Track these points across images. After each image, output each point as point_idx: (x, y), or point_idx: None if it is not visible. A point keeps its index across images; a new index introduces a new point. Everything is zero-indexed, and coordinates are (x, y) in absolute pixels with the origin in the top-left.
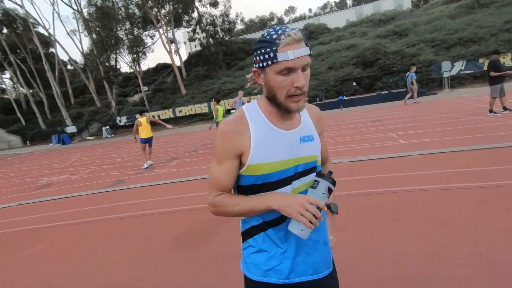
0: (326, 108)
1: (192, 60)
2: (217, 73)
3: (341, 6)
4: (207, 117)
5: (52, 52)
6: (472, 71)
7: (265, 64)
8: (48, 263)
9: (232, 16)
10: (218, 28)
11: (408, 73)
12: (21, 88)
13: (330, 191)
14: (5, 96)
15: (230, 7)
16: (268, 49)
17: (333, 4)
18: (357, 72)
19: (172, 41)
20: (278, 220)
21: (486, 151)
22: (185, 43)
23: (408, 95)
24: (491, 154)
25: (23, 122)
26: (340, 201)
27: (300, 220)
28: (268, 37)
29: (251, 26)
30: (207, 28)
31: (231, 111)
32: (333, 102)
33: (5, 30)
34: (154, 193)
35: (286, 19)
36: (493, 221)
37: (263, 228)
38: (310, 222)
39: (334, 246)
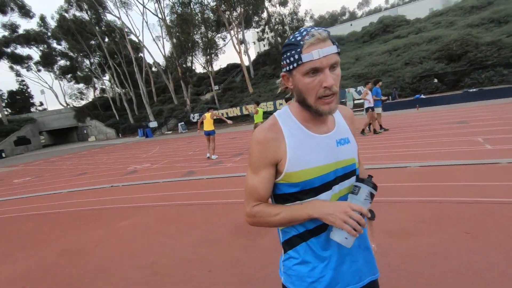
0: (398, 107)
1: (260, 60)
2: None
3: None
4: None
5: (140, 56)
6: None
7: (291, 67)
8: (133, 236)
9: (301, 14)
10: (287, 27)
11: None
12: (116, 88)
13: (372, 196)
14: (104, 95)
15: (300, 5)
16: (293, 52)
17: None
18: (440, 67)
19: (242, 42)
20: (320, 228)
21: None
22: (254, 43)
23: None
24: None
25: (117, 117)
26: (407, 208)
27: (344, 228)
28: (293, 40)
29: (321, 22)
30: (276, 27)
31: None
32: (408, 101)
33: (106, 39)
34: (220, 184)
35: (359, 12)
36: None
37: (305, 238)
38: (354, 229)
39: (375, 253)
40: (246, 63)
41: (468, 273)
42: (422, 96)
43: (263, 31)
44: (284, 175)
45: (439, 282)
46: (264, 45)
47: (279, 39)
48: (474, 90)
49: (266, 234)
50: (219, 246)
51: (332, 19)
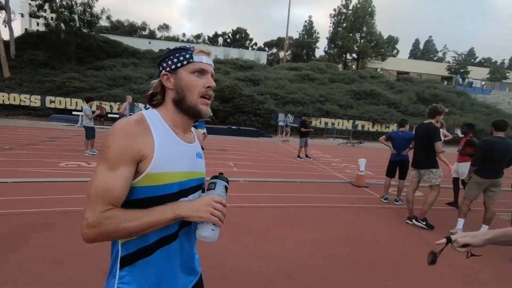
0: None
1: (30, 40)
2: (62, 65)
3: (213, 42)
4: (36, 112)
5: None
6: (297, 125)
7: (179, 65)
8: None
9: (97, 9)
10: (76, 16)
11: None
12: None
13: (226, 189)
14: None
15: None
16: (183, 53)
17: (206, 37)
18: (215, 105)
19: (4, 7)
20: (171, 237)
21: (286, 183)
22: (22, 15)
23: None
24: (287, 185)
25: None
26: None
27: (212, 220)
28: (179, 46)
29: (118, 27)
30: (61, 11)
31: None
32: None
33: None
34: None
35: (159, 34)
36: (281, 229)
37: (153, 249)
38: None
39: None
40: (5, 36)
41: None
42: (196, 124)
43: (40, 7)
44: (144, 175)
45: None
46: (38, 23)
47: (63, 25)
48: (234, 127)
49: (19, 247)
50: None
51: (131, 29)
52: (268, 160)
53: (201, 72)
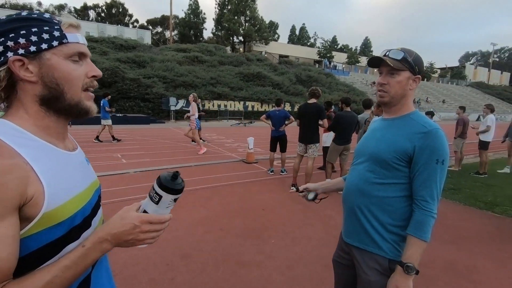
0: None
1: None
2: None
3: (83, 16)
4: None
5: None
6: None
7: (44, 45)
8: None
9: None
10: None
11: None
12: None
13: (175, 200)
14: None
15: None
16: (47, 28)
17: (73, 9)
18: (94, 90)
19: None
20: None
21: (180, 168)
22: None
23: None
24: (182, 170)
25: None
26: None
27: (140, 244)
28: (34, 15)
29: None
30: None
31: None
32: None
33: None
34: None
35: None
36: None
37: None
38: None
39: None
40: None
41: None
42: None
43: None
44: (40, 218)
45: None
46: None
47: None
48: (120, 115)
49: None
50: None
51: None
52: (161, 147)
53: (80, 56)
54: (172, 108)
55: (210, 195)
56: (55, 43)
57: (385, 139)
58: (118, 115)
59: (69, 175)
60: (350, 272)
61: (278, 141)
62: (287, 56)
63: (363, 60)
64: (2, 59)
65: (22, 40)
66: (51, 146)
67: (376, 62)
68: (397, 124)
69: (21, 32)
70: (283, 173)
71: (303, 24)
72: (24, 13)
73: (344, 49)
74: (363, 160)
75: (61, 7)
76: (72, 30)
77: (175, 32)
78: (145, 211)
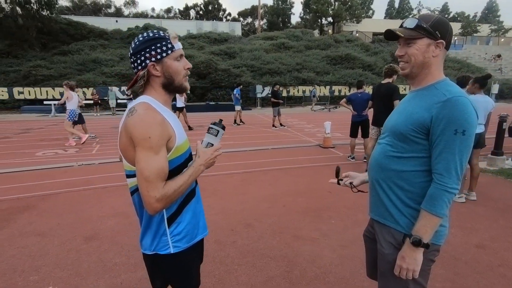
0: None
1: None
2: (26, 53)
3: (185, 16)
4: (5, 105)
5: None
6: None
7: (164, 54)
8: None
9: None
10: None
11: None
12: None
13: (222, 134)
14: None
15: None
16: (164, 43)
17: (177, 11)
18: (191, 82)
19: None
20: (193, 192)
21: (258, 151)
22: None
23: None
24: (259, 153)
25: None
26: None
27: (214, 164)
28: (156, 35)
29: (81, 7)
30: None
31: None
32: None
33: None
34: None
35: (126, 11)
36: (245, 190)
37: (187, 201)
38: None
39: None
40: None
41: None
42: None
43: None
44: (174, 149)
45: None
46: None
47: (18, 9)
48: (213, 103)
49: (4, 227)
50: None
51: (95, 8)
52: (244, 131)
53: (180, 56)
54: (259, 95)
55: (280, 175)
56: (169, 52)
57: (406, 111)
58: (211, 103)
59: (179, 126)
60: (376, 246)
61: (359, 126)
62: (382, 34)
63: (485, 29)
64: (144, 64)
65: (153, 52)
66: (169, 110)
67: (392, 36)
68: (420, 95)
69: (152, 47)
70: (366, 160)
71: None
72: (151, 33)
73: (458, 17)
74: (385, 135)
75: (168, 10)
76: (175, 41)
77: (264, 21)
78: (209, 143)
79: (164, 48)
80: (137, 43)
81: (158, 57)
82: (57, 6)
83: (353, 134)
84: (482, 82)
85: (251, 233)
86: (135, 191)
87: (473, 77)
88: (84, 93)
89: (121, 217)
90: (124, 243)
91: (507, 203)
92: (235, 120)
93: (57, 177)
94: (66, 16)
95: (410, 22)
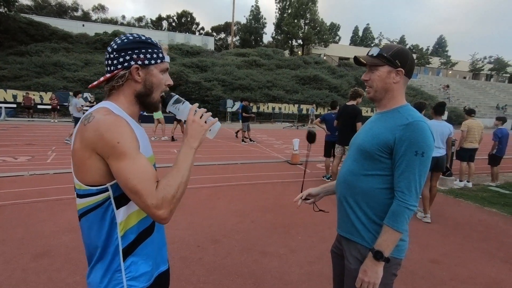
0: None
1: None
2: None
3: (157, 26)
4: None
5: None
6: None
7: (153, 62)
8: None
9: None
10: None
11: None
12: None
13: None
14: None
15: None
16: (156, 50)
17: (149, 20)
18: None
19: None
20: (151, 227)
21: (227, 165)
22: None
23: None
24: (228, 167)
25: None
26: None
27: (209, 125)
28: (149, 40)
29: (44, 7)
30: None
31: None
32: None
33: None
34: None
35: (94, 16)
36: (213, 205)
37: (143, 237)
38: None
39: None
40: None
41: None
42: (145, 113)
43: None
44: None
45: None
46: None
47: None
48: None
49: None
50: None
51: (60, 10)
52: (212, 145)
53: (166, 70)
54: (229, 109)
55: (249, 190)
56: (158, 61)
57: (371, 131)
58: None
59: (146, 140)
60: (343, 262)
61: (334, 145)
62: (347, 59)
63: (435, 61)
64: (126, 65)
65: (141, 56)
66: (135, 123)
67: (359, 61)
68: (385, 117)
69: (142, 50)
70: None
71: (367, 24)
72: (143, 37)
73: (413, 49)
74: (351, 152)
75: (140, 19)
76: (165, 52)
77: (237, 37)
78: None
79: (155, 55)
80: (125, 40)
81: (146, 62)
82: (16, 4)
83: (327, 154)
84: (437, 109)
85: (219, 250)
86: (83, 214)
87: (427, 103)
88: (41, 97)
89: (77, 233)
90: (80, 260)
91: (457, 221)
92: (242, 139)
93: (4, 187)
94: (27, 15)
95: (374, 51)
